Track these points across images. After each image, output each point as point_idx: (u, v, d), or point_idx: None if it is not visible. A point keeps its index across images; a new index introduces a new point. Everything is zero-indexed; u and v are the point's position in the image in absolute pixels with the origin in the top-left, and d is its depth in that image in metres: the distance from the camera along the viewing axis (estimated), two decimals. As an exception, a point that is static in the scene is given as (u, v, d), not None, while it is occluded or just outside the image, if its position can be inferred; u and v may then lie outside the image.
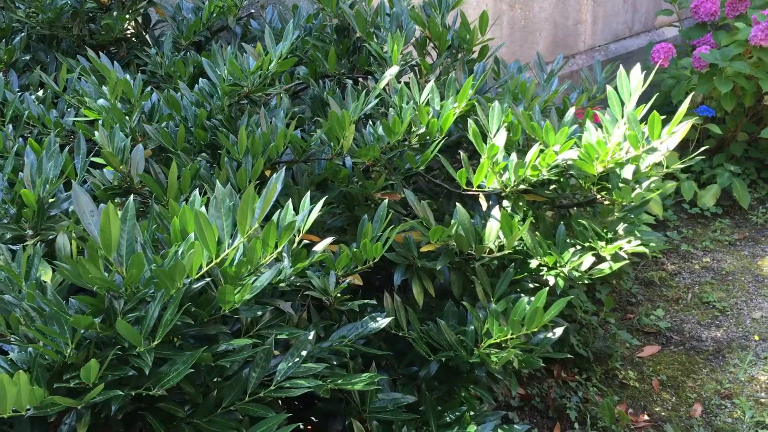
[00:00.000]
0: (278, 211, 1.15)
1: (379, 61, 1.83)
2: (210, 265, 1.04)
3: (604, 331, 2.33)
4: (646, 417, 1.99)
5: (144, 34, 2.39)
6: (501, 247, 1.54)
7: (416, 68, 1.90)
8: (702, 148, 1.92)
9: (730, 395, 2.07)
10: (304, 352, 1.13)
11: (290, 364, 1.12)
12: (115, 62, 1.78)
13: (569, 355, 1.50)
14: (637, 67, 1.62)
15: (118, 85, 1.63)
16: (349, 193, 1.64)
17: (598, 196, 1.73)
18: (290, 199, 1.23)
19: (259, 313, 1.11)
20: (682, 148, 3.49)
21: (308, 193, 1.27)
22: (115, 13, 2.27)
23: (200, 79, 1.71)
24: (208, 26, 2.26)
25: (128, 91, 1.66)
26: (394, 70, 1.79)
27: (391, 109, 1.71)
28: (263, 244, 1.08)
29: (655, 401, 2.07)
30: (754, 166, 3.47)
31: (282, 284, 1.22)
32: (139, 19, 2.43)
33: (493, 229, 1.53)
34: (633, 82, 1.61)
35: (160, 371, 0.97)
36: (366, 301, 1.35)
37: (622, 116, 1.59)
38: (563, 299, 1.42)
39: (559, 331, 1.63)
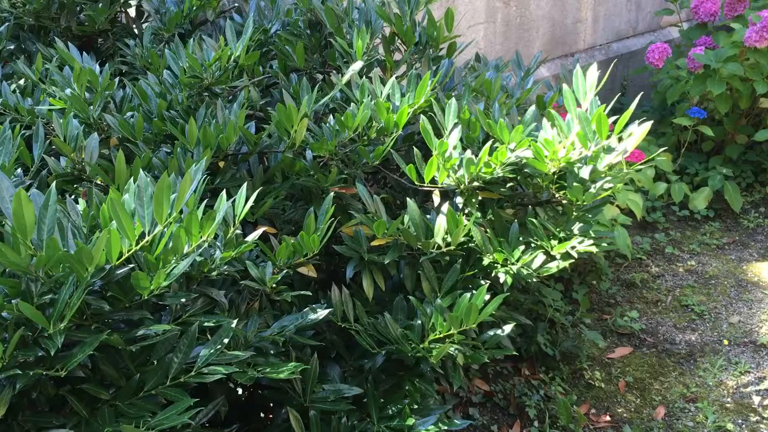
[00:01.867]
0: (203, 202, 1.18)
1: (345, 57, 1.84)
2: (131, 252, 1.07)
3: (576, 331, 2.32)
4: (607, 417, 1.99)
5: (133, 26, 2.43)
6: (449, 243, 1.55)
7: (382, 64, 1.92)
8: (661, 149, 1.90)
9: (695, 399, 2.06)
10: (226, 340, 1.15)
11: (212, 351, 1.14)
12: (83, 53, 1.83)
13: (515, 352, 1.51)
14: (594, 66, 1.62)
15: (82, 74, 1.66)
16: (306, 186, 1.66)
17: (557, 195, 1.73)
18: (224, 191, 1.25)
19: (183, 300, 1.14)
20: (677, 149, 3.45)
21: (245, 184, 1.30)
22: (100, 5, 2.31)
23: (164, 70, 1.74)
24: (190, 18, 2.29)
25: (93, 80, 1.70)
26: (357, 65, 1.80)
27: (352, 104, 1.73)
28: (187, 233, 1.11)
29: (619, 402, 2.06)
30: (751, 169, 3.42)
31: (213, 273, 1.24)
32: (132, 11, 2.47)
33: (441, 225, 1.54)
34: (589, 80, 1.61)
35: (71, 353, 1.00)
36: (302, 292, 1.37)
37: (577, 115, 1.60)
38: (500, 296, 1.43)
39: (508, 328, 1.64)
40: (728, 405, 2.02)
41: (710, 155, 3.48)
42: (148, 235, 1.07)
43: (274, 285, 1.34)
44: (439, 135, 1.64)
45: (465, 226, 1.51)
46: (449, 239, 1.55)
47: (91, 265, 0.98)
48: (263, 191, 1.62)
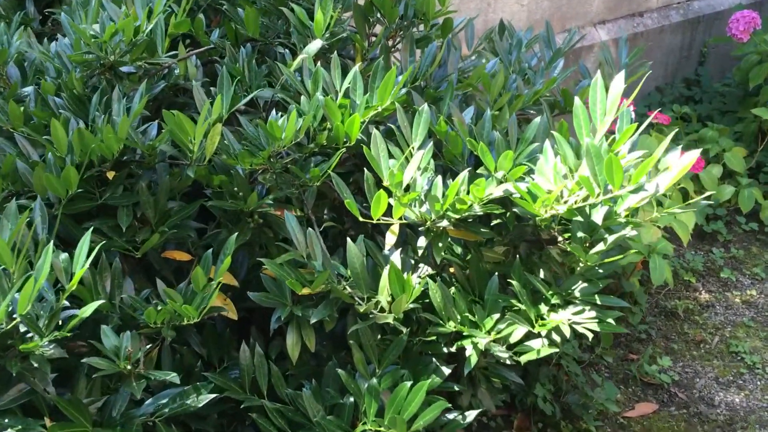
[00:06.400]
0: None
1: (300, 30, 1.47)
2: None
3: (588, 378, 1.96)
4: (608, 505, 1.65)
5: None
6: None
7: (353, 44, 1.53)
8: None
9: (726, 491, 1.69)
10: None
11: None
12: None
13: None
14: (621, 75, 1.21)
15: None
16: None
17: (560, 239, 1.35)
18: (50, 245, 0.94)
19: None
20: (755, 141, 2.95)
21: (89, 232, 0.98)
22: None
23: (64, 40, 1.41)
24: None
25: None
26: (314, 45, 1.44)
27: (303, 98, 1.37)
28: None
29: (627, 483, 1.72)
30: None
31: (35, 355, 0.94)
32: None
33: (386, 284, 1.19)
34: (611, 94, 1.20)
35: None
36: (170, 375, 1.05)
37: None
38: (437, 405, 1.09)
39: (471, 416, 1.31)
40: (767, 506, 1.65)
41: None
42: None
43: (131, 365, 1.03)
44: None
45: (416, 288, 1.16)
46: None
47: None
48: (168, 213, 1.30)
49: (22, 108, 1.36)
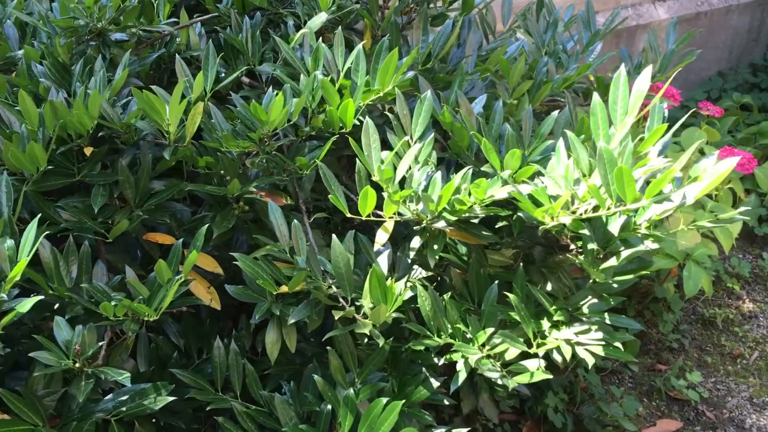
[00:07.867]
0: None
1: (305, 1, 1.37)
2: None
3: (606, 390, 1.85)
4: None
5: None
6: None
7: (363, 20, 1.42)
8: None
9: None
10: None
11: None
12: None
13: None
14: (647, 71, 1.07)
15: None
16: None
17: (573, 247, 1.24)
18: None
19: None
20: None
21: (37, 219, 0.91)
22: None
23: (53, 3, 1.34)
24: None
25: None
26: (318, 19, 1.34)
27: (302, 76, 1.28)
28: None
29: None
30: None
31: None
32: None
33: (368, 290, 1.10)
34: (635, 92, 1.07)
35: None
36: (122, 375, 0.98)
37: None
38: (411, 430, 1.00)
39: (460, 435, 1.21)
40: None
41: None
42: None
43: (81, 362, 0.97)
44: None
45: (399, 297, 1.06)
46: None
47: None
48: (150, 193, 1.23)
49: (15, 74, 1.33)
